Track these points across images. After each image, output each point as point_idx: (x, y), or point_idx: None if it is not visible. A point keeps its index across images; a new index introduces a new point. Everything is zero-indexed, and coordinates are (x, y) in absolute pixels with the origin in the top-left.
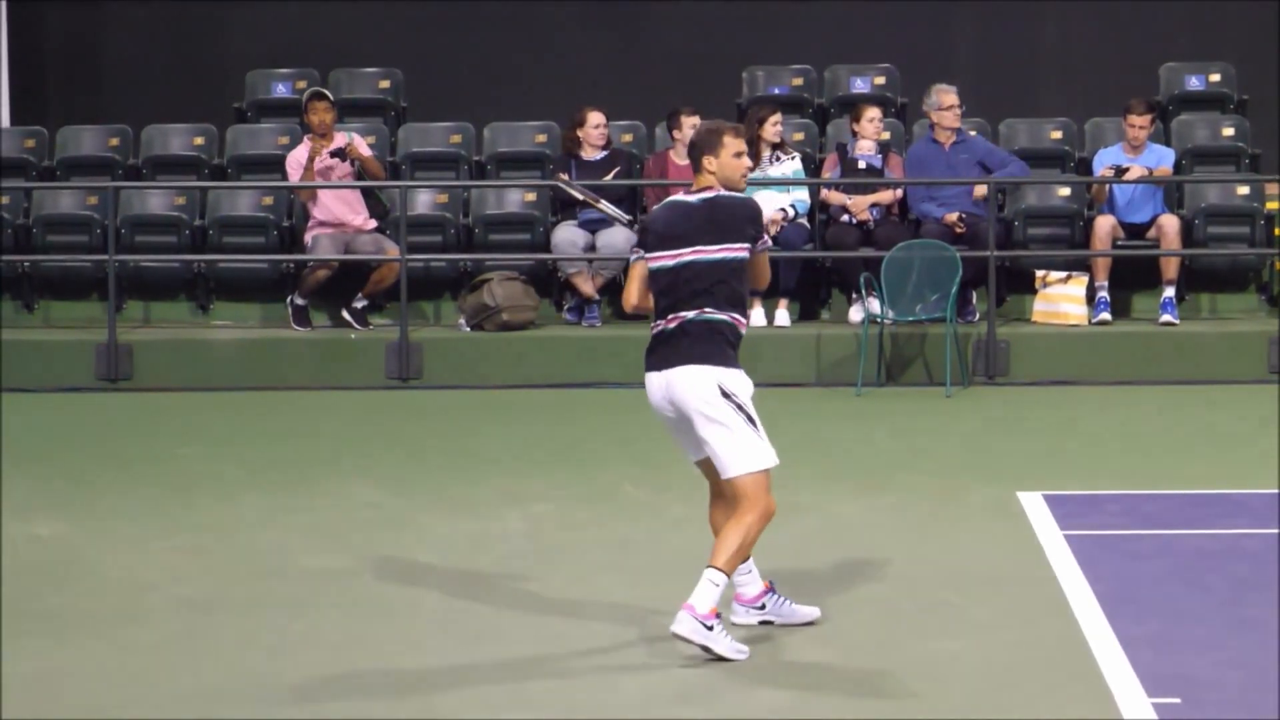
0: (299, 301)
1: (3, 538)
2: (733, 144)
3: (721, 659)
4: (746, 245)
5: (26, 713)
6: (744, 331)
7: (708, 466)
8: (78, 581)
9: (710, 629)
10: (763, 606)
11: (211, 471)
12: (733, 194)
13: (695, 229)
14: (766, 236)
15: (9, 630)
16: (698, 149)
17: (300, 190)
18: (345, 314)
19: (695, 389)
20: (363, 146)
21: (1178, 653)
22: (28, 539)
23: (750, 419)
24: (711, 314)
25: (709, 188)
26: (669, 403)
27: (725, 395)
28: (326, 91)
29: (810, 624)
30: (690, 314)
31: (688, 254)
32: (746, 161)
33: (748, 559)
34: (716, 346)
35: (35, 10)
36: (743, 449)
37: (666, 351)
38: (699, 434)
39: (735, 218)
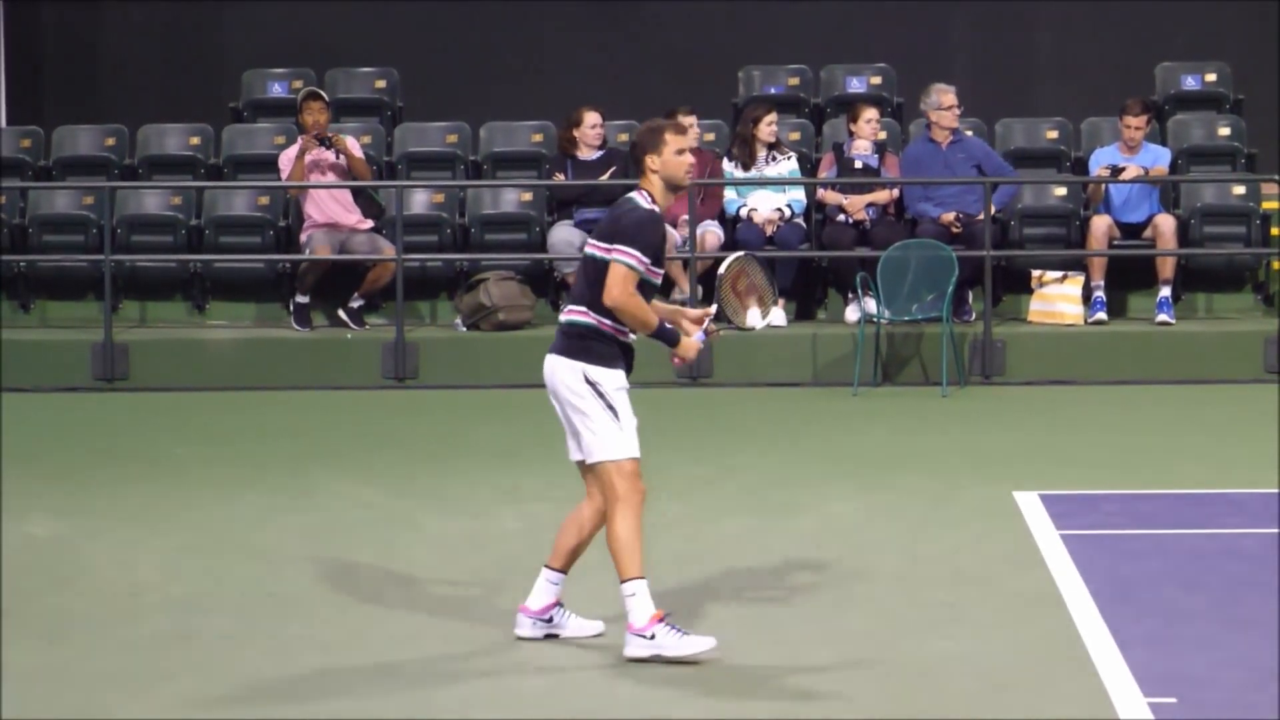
0: (300, 300)
1: (1, 538)
2: (674, 141)
3: (686, 661)
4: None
5: (26, 713)
6: (623, 338)
7: (584, 469)
8: (75, 581)
9: (653, 638)
10: (549, 619)
11: (208, 471)
12: (646, 206)
13: (602, 223)
14: (628, 250)
15: (7, 630)
16: (639, 148)
17: (292, 187)
18: (341, 314)
19: (561, 376)
20: (355, 148)
21: (1174, 652)
22: (25, 539)
23: (611, 408)
24: (580, 316)
25: (645, 189)
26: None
27: (589, 383)
28: (321, 91)
29: (599, 635)
30: (570, 306)
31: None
32: (689, 159)
33: (563, 569)
34: (584, 344)
35: (32, 9)
36: (601, 437)
37: (555, 339)
38: (569, 419)
39: (622, 220)
